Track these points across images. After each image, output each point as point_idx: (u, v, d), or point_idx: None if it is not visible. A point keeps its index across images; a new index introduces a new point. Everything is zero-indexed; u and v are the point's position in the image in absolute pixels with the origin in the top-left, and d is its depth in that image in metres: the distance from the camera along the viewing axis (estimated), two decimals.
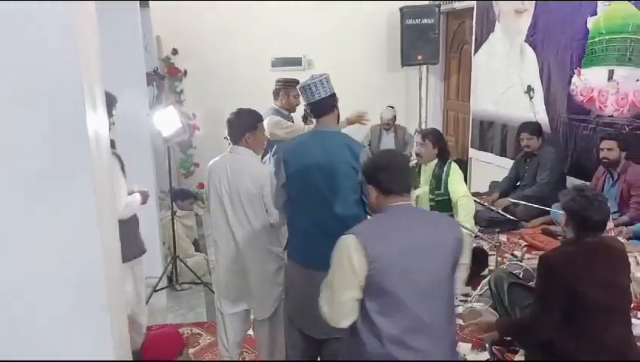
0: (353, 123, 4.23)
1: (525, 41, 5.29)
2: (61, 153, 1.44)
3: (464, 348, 2.71)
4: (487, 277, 3.08)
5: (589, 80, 4.49)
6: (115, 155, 2.67)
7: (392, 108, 6.19)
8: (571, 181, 4.59)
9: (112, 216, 1.96)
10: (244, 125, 2.80)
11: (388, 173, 1.95)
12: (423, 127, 7.18)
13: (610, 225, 3.50)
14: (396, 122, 6.53)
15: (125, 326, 2.00)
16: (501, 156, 5.80)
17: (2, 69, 1.37)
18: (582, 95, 4.59)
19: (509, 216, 4.39)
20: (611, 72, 4.27)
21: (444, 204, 3.75)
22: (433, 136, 3.84)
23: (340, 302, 1.86)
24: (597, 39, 4.37)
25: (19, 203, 1.43)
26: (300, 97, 4.10)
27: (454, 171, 3.76)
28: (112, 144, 2.63)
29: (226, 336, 2.95)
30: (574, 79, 4.65)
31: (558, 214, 4.02)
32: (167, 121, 3.84)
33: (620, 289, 2.25)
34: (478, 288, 3.09)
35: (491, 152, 6.01)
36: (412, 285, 1.78)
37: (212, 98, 6.32)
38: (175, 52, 6.48)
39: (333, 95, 2.62)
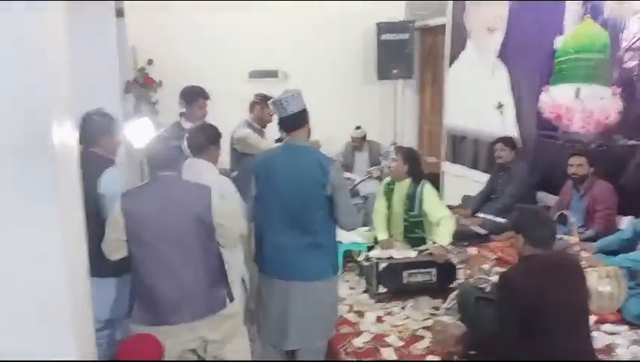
0: None
1: (498, 57, 5.40)
2: (26, 166, 1.44)
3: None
4: (456, 291, 3.12)
5: (557, 97, 4.60)
6: None
7: (359, 128, 6.17)
8: (542, 196, 4.70)
9: (79, 230, 1.94)
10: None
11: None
12: (398, 140, 7.27)
13: (575, 239, 3.60)
14: (369, 138, 6.52)
15: (91, 339, 1.98)
16: (473, 169, 5.89)
17: None
18: (550, 112, 4.70)
19: (479, 230, 4.46)
20: (578, 90, 4.39)
21: (418, 224, 3.79)
22: (405, 153, 3.88)
23: None
24: (564, 58, 4.49)
25: None
26: (271, 114, 4.15)
27: (429, 192, 3.79)
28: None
29: None
30: (543, 96, 4.76)
31: None
32: (140, 132, 3.82)
33: (577, 303, 2.31)
34: (447, 301, 3.13)
35: (463, 165, 6.10)
36: None
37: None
38: (150, 62, 6.44)
39: (305, 110, 2.68)
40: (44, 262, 1.49)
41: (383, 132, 7.28)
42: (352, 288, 3.60)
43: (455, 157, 6.31)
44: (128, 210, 2.31)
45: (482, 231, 4.46)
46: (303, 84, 6.56)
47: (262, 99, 4.17)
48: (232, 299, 2.52)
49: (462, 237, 4.41)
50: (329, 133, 6.21)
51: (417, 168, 3.89)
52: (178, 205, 2.35)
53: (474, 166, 5.88)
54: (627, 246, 3.52)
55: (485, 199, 4.93)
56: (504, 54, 5.31)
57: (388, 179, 4.00)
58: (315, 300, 2.63)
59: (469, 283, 3.02)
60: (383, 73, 6.80)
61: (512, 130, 5.18)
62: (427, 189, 3.78)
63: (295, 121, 2.65)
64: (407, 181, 3.83)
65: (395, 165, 3.87)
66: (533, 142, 4.95)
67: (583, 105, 4.34)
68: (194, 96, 3.89)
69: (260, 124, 4.20)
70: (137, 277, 2.38)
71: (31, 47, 1.41)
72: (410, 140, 7.34)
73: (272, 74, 6.93)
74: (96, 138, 2.74)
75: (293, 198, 2.58)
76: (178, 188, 2.43)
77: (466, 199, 5.35)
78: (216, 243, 2.46)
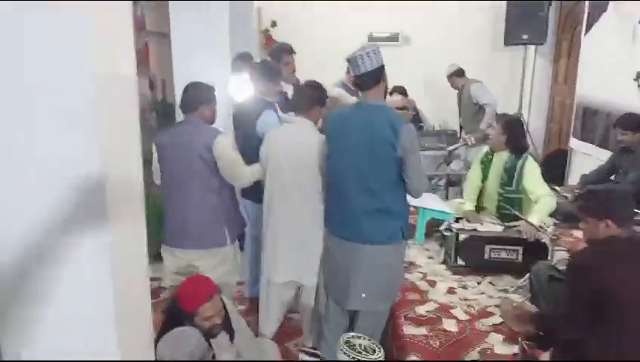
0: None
1: (639, 22, 4.76)
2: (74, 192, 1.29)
3: (495, 339, 2.59)
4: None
5: None
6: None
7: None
8: None
9: (137, 252, 1.56)
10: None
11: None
12: (524, 112, 6.78)
13: None
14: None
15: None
16: (602, 148, 5.31)
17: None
18: None
19: None
20: None
21: (513, 202, 3.54)
22: (505, 123, 3.61)
23: None
24: None
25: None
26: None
27: (532, 168, 3.52)
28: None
29: (267, 309, 2.94)
30: None
31: None
32: (240, 87, 3.97)
33: None
34: (522, 279, 2.92)
35: (592, 143, 5.53)
36: None
37: (308, 71, 6.41)
38: (274, 24, 6.65)
39: (381, 68, 2.57)
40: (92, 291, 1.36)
41: (508, 102, 6.83)
42: (430, 257, 3.50)
43: (584, 134, 5.74)
44: (157, 143, 2.78)
45: None
46: (425, 50, 6.54)
47: None
48: (232, 241, 2.83)
49: (569, 218, 4.04)
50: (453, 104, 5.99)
51: (518, 140, 3.60)
52: (186, 142, 2.70)
53: (603, 143, 5.30)
54: None
55: (603, 178, 4.44)
56: None
57: (486, 148, 3.76)
58: (379, 264, 2.59)
59: (546, 262, 2.76)
60: (512, 38, 6.32)
61: None
62: (529, 164, 3.50)
63: (370, 80, 2.55)
64: (506, 153, 3.58)
65: (493, 134, 3.62)
66: None
67: None
68: (278, 53, 3.93)
69: (354, 85, 4.12)
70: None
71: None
72: (539, 111, 6.82)
73: (393, 38, 6.78)
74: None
75: (363, 159, 2.52)
76: (192, 128, 2.75)
77: (584, 178, 4.86)
78: (218, 183, 2.75)
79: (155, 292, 3.23)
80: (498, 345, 2.54)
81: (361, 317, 2.68)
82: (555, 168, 6.20)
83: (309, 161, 2.75)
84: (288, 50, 3.94)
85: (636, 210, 3.17)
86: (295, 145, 2.78)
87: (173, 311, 2.33)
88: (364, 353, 2.11)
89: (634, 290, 1.99)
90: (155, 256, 2.94)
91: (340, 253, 2.67)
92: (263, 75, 3.31)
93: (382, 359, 2.10)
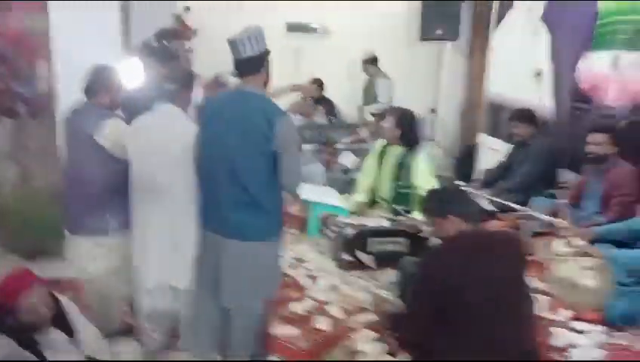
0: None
1: (541, 19, 4.85)
2: None
3: (365, 337, 2.51)
4: None
5: (594, 66, 4.06)
6: None
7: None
8: (571, 177, 4.22)
9: None
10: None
11: None
12: (438, 108, 6.86)
13: (563, 223, 3.21)
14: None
15: None
16: (508, 143, 5.40)
17: None
18: (586, 82, 4.16)
19: (486, 206, 4.07)
20: (616, 58, 3.83)
21: (404, 198, 3.47)
22: (398, 116, 3.57)
23: None
24: (605, 21, 3.93)
25: None
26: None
27: (422, 163, 3.47)
28: None
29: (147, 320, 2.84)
30: (581, 64, 4.22)
31: (538, 208, 3.73)
32: (130, 73, 3.75)
33: (508, 288, 2.00)
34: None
35: (499, 139, 5.63)
36: None
37: (225, 60, 6.21)
38: (187, 9, 6.40)
39: (263, 54, 2.42)
40: None
41: (422, 97, 6.86)
42: (321, 252, 3.41)
43: (492, 129, 5.84)
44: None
45: (489, 208, 4.06)
46: (344, 41, 6.45)
47: None
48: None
49: None
50: None
51: (411, 134, 3.56)
52: (77, 128, 2.79)
53: (509, 139, 5.39)
54: (637, 237, 3.07)
55: (502, 174, 4.50)
56: (549, 17, 4.75)
57: (382, 140, 3.71)
58: (250, 261, 2.46)
59: (412, 258, 2.73)
60: (427, 33, 6.35)
61: (548, 102, 4.67)
62: (420, 159, 3.47)
63: (250, 66, 2.40)
64: (399, 147, 3.53)
65: (386, 128, 3.58)
66: (568, 116, 4.44)
67: (620, 75, 3.79)
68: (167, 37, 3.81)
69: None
70: None
71: None
72: (453, 108, 6.90)
73: (312, 29, 6.68)
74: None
75: (235, 149, 2.37)
76: (85, 113, 2.82)
77: (486, 173, 4.92)
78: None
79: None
80: (367, 343, 2.47)
81: (234, 316, 2.57)
82: (468, 164, 6.29)
83: (180, 155, 2.57)
84: (174, 35, 3.77)
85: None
86: (163, 136, 2.60)
87: None
88: None
89: (479, 288, 1.96)
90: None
91: (210, 247, 2.53)
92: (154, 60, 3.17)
93: None
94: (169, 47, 3.41)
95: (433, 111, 6.83)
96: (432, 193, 2.36)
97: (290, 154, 2.39)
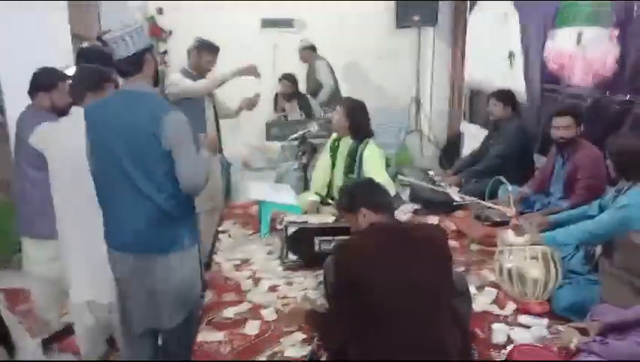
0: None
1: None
2: None
3: (294, 340, 2.39)
4: None
5: (560, 44, 3.87)
6: None
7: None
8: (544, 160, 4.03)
9: None
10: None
11: None
12: (422, 97, 6.69)
13: (510, 211, 3.05)
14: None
15: None
16: (485, 129, 5.23)
17: None
18: (554, 62, 3.98)
19: (456, 197, 3.91)
20: (580, 35, 3.64)
21: None
22: (348, 107, 3.43)
23: None
24: None
25: None
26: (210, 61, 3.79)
27: (372, 154, 3.33)
28: None
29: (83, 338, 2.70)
30: (548, 44, 4.03)
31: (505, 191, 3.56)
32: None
33: (424, 283, 1.85)
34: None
35: (478, 125, 5.46)
36: None
37: None
38: (160, 11, 6.34)
39: (144, 51, 2.18)
40: None
41: (405, 86, 6.69)
42: (270, 253, 3.30)
43: (472, 115, 5.66)
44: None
45: (459, 200, 3.90)
46: (321, 35, 6.31)
47: (199, 45, 3.83)
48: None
49: (428, 204, 3.92)
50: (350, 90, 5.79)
51: (361, 125, 3.41)
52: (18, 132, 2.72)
53: (486, 124, 5.22)
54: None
55: (473, 161, 4.34)
56: None
57: (335, 134, 3.58)
58: (161, 276, 2.20)
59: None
60: (403, 20, 6.18)
61: (519, 84, 4.49)
62: (369, 150, 3.33)
63: (129, 66, 2.15)
64: (350, 140, 3.40)
65: (336, 118, 3.44)
66: (538, 98, 4.26)
67: (584, 53, 3.60)
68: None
69: (197, 72, 3.84)
70: None
71: None
72: (438, 96, 6.71)
73: (287, 22, 6.55)
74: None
75: (126, 155, 2.12)
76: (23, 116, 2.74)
77: (459, 160, 4.77)
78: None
79: None
80: (293, 347, 2.35)
81: (162, 337, 2.41)
82: (454, 152, 6.13)
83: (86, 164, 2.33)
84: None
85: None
86: (72, 144, 2.39)
87: None
88: None
89: (390, 284, 1.82)
90: None
91: (120, 267, 2.27)
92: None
93: None
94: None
95: (416, 100, 6.66)
96: (343, 188, 2.24)
97: (183, 152, 2.13)
